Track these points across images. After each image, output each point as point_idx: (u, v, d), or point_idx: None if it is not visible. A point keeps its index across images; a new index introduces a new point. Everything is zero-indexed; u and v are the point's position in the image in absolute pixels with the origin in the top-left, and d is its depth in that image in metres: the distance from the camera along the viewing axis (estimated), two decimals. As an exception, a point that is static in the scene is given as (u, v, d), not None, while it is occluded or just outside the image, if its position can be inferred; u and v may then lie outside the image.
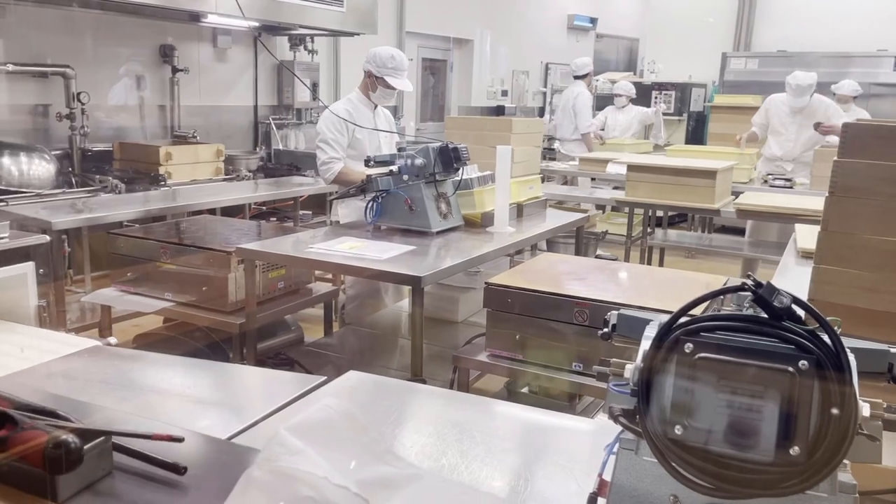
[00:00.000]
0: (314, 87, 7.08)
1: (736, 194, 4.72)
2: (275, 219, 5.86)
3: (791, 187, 5.22)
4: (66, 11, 5.18)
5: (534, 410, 1.47)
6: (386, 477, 0.61)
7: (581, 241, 4.03)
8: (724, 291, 0.80)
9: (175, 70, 5.95)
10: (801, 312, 0.78)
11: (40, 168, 4.93)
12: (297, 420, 0.74)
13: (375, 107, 3.90)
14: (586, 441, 1.39)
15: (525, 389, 3.06)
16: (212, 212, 4.91)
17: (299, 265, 3.22)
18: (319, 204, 6.05)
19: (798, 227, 3.30)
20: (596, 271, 2.81)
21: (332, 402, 0.78)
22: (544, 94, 11.10)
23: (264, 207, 6.02)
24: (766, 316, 0.77)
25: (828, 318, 0.77)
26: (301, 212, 5.83)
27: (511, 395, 3.09)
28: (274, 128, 6.93)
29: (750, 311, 0.80)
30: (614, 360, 1.03)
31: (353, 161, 3.71)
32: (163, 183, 5.15)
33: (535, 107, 10.95)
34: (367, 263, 2.80)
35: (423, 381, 2.56)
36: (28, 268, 2.11)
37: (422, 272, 2.67)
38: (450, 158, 3.33)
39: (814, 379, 0.72)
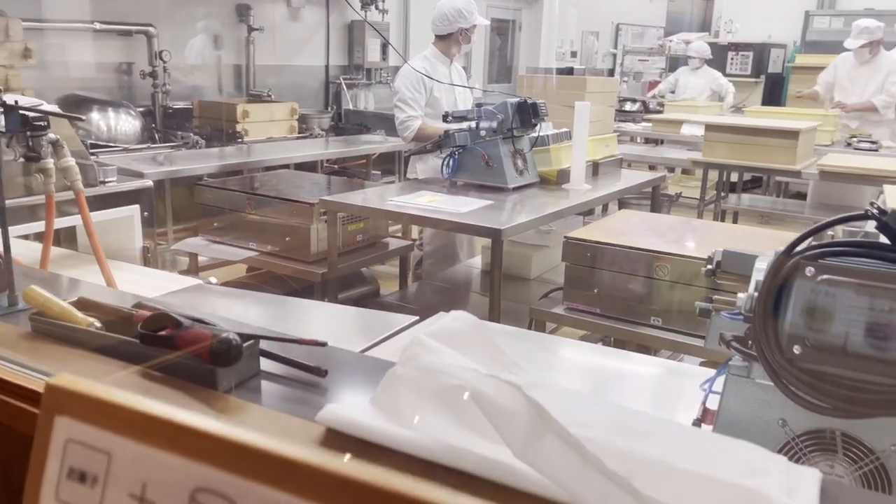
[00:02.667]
0: (384, 47, 7.12)
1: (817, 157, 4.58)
2: (345, 177, 5.98)
3: (877, 150, 5.02)
4: (148, -30, 5.33)
5: (631, 355, 1.51)
6: (521, 382, 0.65)
7: (657, 201, 3.99)
8: (850, 218, 0.81)
9: (251, 29, 6.07)
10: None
11: (127, 123, 5.15)
12: (432, 328, 0.79)
13: (451, 63, 3.91)
14: (678, 380, 1.42)
15: (600, 343, 3.08)
16: (285, 167, 5.05)
17: (381, 217, 3.29)
18: (388, 162, 6.13)
19: (887, 188, 3.20)
20: (674, 227, 2.80)
21: (462, 314, 0.83)
22: (614, 55, 10.86)
23: (336, 166, 6.13)
24: (888, 242, 0.78)
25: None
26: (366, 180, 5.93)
27: (585, 349, 3.12)
28: (345, 87, 7.02)
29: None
30: (716, 297, 1.06)
31: (430, 119, 3.75)
32: (240, 140, 5.31)
33: (605, 68, 10.73)
34: (447, 216, 2.85)
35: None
36: (134, 210, 2.23)
37: (501, 225, 2.71)
38: (528, 114, 3.33)
39: (939, 302, 0.73)
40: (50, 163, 1.45)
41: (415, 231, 4.21)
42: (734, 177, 5.97)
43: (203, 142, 5.19)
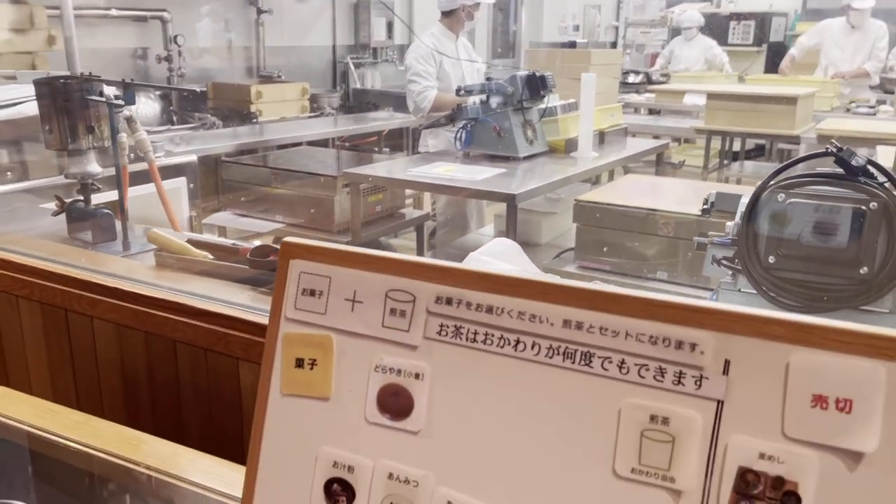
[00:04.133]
0: (390, 26, 7.27)
1: (817, 123, 4.75)
2: (356, 153, 6.17)
3: (874, 114, 5.19)
4: (161, -44, 5.49)
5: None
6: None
7: (663, 167, 4.18)
8: (812, 156, 1.01)
9: (259, 11, 6.22)
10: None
11: (147, 106, 5.35)
12: (481, 249, 1.00)
13: (457, 38, 4.09)
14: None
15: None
16: (297, 146, 5.23)
17: (402, 187, 3.49)
18: (396, 138, 6.30)
19: (879, 148, 3.38)
20: (678, 189, 2.99)
21: (504, 239, 1.04)
22: (616, 28, 10.95)
23: (346, 144, 6.32)
24: (844, 172, 0.99)
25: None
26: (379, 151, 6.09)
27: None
28: (352, 67, 7.16)
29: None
30: (711, 232, 1.27)
31: (441, 93, 3.94)
32: (254, 120, 5.50)
33: (607, 41, 10.82)
34: (464, 184, 3.05)
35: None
36: (182, 182, 2.44)
37: (515, 190, 2.91)
38: (537, 86, 3.51)
39: (881, 217, 0.93)
40: (124, 136, 1.64)
41: (426, 202, 4.42)
42: (737, 146, 6.14)
43: (220, 123, 5.38)
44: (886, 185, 0.98)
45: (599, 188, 3.13)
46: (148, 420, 1.07)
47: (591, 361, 0.46)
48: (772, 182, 1.03)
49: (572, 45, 9.74)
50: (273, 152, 4.54)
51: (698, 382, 0.43)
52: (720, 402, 0.43)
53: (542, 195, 3.36)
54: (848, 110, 5.47)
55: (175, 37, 5.53)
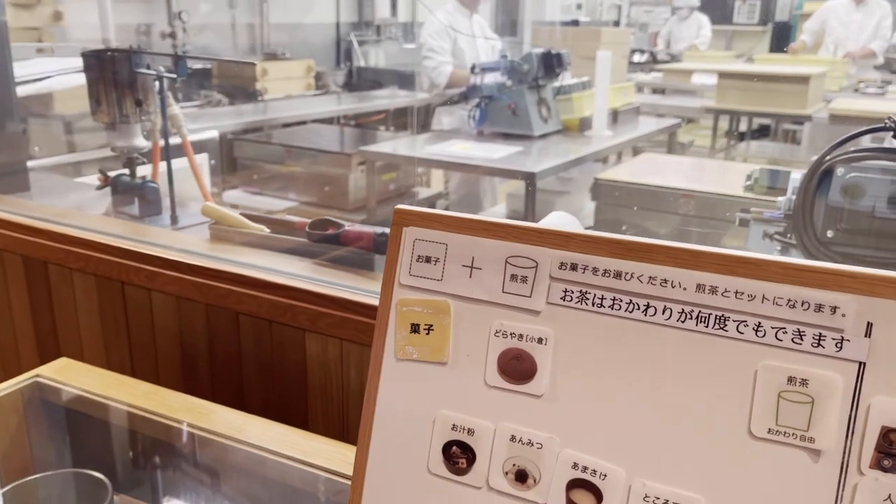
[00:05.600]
0: (394, 2, 7.20)
1: (827, 103, 4.74)
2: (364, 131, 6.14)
3: (883, 94, 5.18)
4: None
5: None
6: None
7: (674, 146, 4.18)
8: (871, 130, 1.02)
9: (263, -13, 6.17)
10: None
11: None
12: (542, 220, 1.00)
13: (471, 15, 4.06)
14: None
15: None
16: (301, 124, 5.20)
17: (420, 165, 3.49)
18: (401, 116, 6.28)
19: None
20: (694, 167, 3.00)
21: (563, 213, 1.04)
22: (619, 7, 10.87)
23: (352, 122, 6.29)
24: (903, 147, 0.99)
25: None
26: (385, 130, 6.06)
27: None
28: (356, 44, 7.11)
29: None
30: (753, 208, 1.27)
31: (456, 69, 3.92)
32: (260, 98, 5.47)
33: (610, 20, 10.75)
34: (482, 162, 3.05)
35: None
36: (203, 158, 2.43)
37: (534, 168, 2.91)
38: (552, 64, 3.50)
39: (944, 191, 0.94)
40: (176, 108, 1.63)
41: (438, 181, 4.41)
42: (743, 126, 6.13)
43: (225, 100, 5.35)
44: (945, 160, 0.98)
45: (617, 166, 3.13)
46: (208, 392, 1.08)
47: (725, 325, 0.47)
48: (829, 156, 1.04)
49: (575, 23, 9.67)
50: (279, 130, 4.52)
51: (839, 345, 0.44)
52: (862, 364, 0.43)
53: (555, 175, 3.36)
54: (857, 90, 5.46)
55: (179, 13, 5.48)
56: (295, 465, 0.86)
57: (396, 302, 0.56)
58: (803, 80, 4.40)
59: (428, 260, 0.55)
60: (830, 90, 5.25)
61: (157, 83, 1.48)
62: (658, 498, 0.48)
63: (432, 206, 4.20)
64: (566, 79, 3.77)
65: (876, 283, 0.43)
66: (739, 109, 4.79)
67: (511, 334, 0.53)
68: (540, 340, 0.52)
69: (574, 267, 0.51)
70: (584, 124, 3.70)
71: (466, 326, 0.54)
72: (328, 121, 5.64)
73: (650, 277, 0.49)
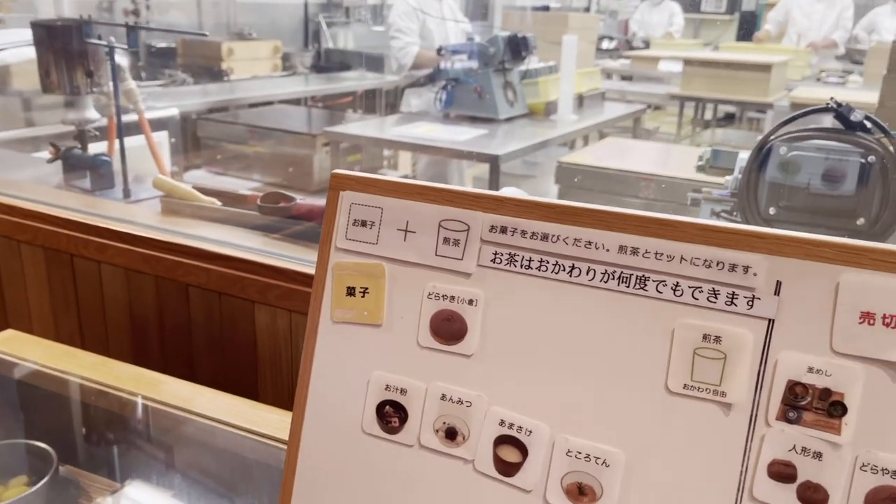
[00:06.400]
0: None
1: (789, 91, 4.82)
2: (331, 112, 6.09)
3: (844, 83, 5.28)
4: None
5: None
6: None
7: (639, 132, 4.22)
8: (813, 111, 1.04)
9: (230, -35, 6.06)
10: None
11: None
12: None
13: (440, -2, 4.05)
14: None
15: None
16: (268, 104, 5.15)
17: (385, 147, 3.48)
18: (370, 98, 6.24)
19: (851, 115, 3.45)
20: (656, 152, 3.03)
21: (514, 188, 1.05)
22: (590, -8, 10.89)
23: (320, 104, 6.23)
24: (842, 127, 1.02)
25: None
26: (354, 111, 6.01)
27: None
28: (324, 26, 7.03)
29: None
30: (704, 188, 1.30)
31: (423, 50, 3.91)
32: (226, 78, 5.39)
33: (581, 6, 10.77)
34: (447, 144, 3.05)
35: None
36: (163, 136, 2.40)
37: (498, 151, 2.92)
38: (518, 47, 3.51)
39: (879, 170, 0.97)
40: (132, 83, 1.61)
41: (402, 163, 4.40)
42: (708, 114, 6.21)
43: (190, 79, 5.27)
44: (882, 139, 1.02)
45: (581, 150, 3.16)
46: (158, 364, 1.08)
47: (645, 285, 0.48)
48: (773, 136, 1.06)
49: (546, 8, 9.68)
50: (245, 110, 4.47)
51: (750, 303, 0.46)
52: (771, 321, 0.45)
53: (520, 158, 3.38)
54: (818, 79, 5.56)
55: (143, -11, 5.37)
56: (243, 434, 0.87)
57: (332, 265, 0.57)
58: (765, 68, 4.47)
59: (364, 224, 0.55)
60: (793, 79, 5.34)
61: (111, 56, 1.46)
62: (580, 452, 0.50)
63: (398, 188, 4.19)
64: (533, 63, 3.78)
65: (784, 243, 0.45)
66: (704, 96, 4.85)
67: (443, 296, 0.54)
68: (470, 302, 0.53)
69: (504, 230, 0.52)
70: (550, 108, 3.71)
71: (400, 289, 0.55)
72: (295, 102, 5.58)
73: (575, 239, 0.50)
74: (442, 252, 0.54)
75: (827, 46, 6.11)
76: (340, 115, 5.27)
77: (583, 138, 5.01)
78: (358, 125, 3.51)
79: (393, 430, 0.55)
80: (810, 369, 0.44)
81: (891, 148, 1.00)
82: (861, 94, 4.23)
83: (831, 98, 1.06)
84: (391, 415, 0.55)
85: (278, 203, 1.01)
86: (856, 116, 1.02)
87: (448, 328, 0.54)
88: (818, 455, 0.44)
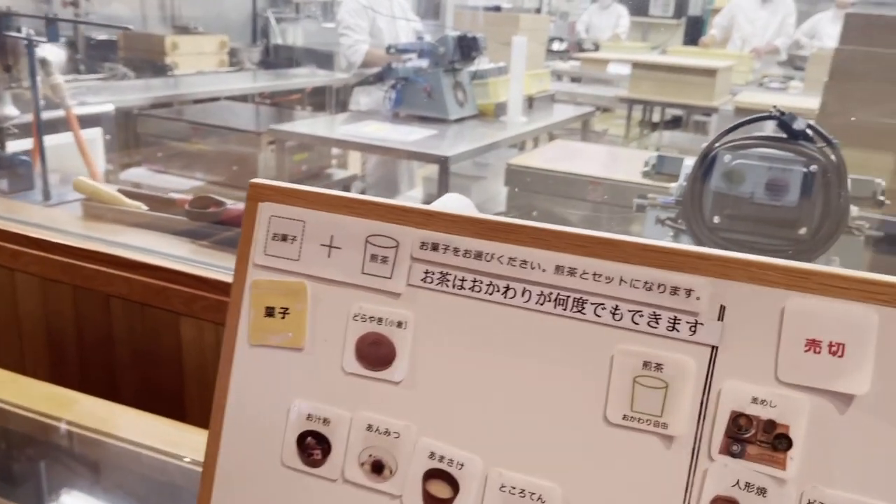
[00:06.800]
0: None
1: (733, 96, 4.91)
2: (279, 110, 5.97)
3: (786, 89, 5.41)
4: None
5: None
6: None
7: (588, 135, 4.25)
8: (756, 119, 1.04)
9: (175, -44, 5.91)
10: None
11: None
12: (435, 203, 0.98)
13: (391, -4, 4.00)
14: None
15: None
16: (214, 100, 5.03)
17: (331, 146, 3.41)
18: (320, 96, 6.15)
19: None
20: (606, 155, 3.04)
21: (457, 194, 1.02)
22: (541, -6, 10.96)
23: (267, 101, 6.11)
24: (786, 136, 1.01)
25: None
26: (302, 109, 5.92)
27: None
28: (273, 21, 6.91)
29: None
30: (650, 194, 1.29)
31: (373, 48, 3.86)
32: (170, 72, 5.24)
33: (532, 7, 10.83)
34: (396, 145, 3.00)
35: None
36: (97, 133, 2.30)
37: (447, 152, 2.89)
38: (468, 47, 3.48)
39: (821, 179, 0.97)
40: (38, 81, 1.53)
41: (352, 163, 4.34)
42: (656, 117, 6.30)
43: (132, 74, 5.10)
44: (824, 148, 1.01)
45: (530, 152, 3.15)
46: (76, 379, 1.01)
47: (583, 308, 0.45)
48: (717, 143, 1.05)
49: (497, 9, 9.70)
50: (190, 106, 4.34)
51: (693, 328, 0.43)
52: (714, 348, 0.43)
53: (470, 159, 3.36)
54: (761, 85, 5.68)
55: (83, -20, 5.18)
56: (165, 458, 0.81)
57: (250, 283, 0.52)
58: (710, 73, 4.54)
59: (284, 238, 0.51)
60: (737, 84, 5.44)
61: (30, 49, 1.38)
62: (514, 487, 0.46)
63: (347, 188, 4.12)
64: (483, 63, 3.76)
65: (729, 266, 0.42)
66: (651, 99, 4.91)
67: (370, 318, 0.50)
68: (399, 324, 0.49)
69: (435, 247, 0.48)
70: (500, 110, 3.70)
71: (324, 310, 0.51)
72: (242, 99, 5.46)
73: (510, 258, 0.47)
74: (369, 270, 0.50)
75: (770, 52, 6.26)
76: (289, 113, 5.18)
77: (533, 140, 5.02)
78: (305, 123, 3.44)
79: (315, 464, 0.51)
80: (755, 400, 0.42)
81: (833, 157, 1.00)
82: (802, 101, 4.33)
83: (774, 106, 1.06)
84: (313, 447, 0.51)
85: (208, 207, 0.96)
86: (798, 125, 1.01)
87: (375, 353, 0.50)
88: (762, 491, 0.41)
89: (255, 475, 0.52)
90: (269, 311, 0.52)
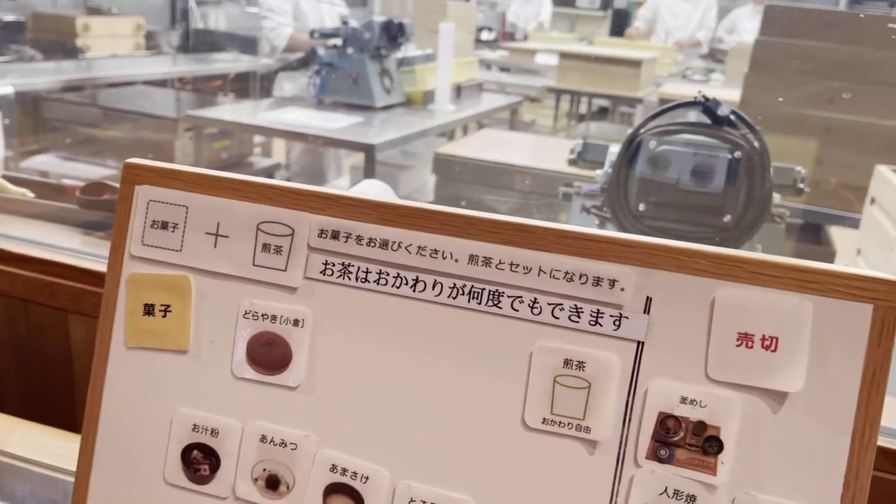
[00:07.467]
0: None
1: (657, 87, 5.00)
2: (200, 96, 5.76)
3: (707, 80, 5.55)
4: None
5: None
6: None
7: (516, 124, 4.24)
8: (682, 105, 1.02)
9: (86, -67, 5.62)
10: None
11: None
12: (353, 188, 0.92)
13: (317, -21, 3.89)
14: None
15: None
16: (129, 85, 4.81)
17: (252, 133, 3.29)
18: (243, 82, 5.96)
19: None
20: (534, 144, 3.04)
21: (376, 181, 0.97)
22: (472, -17, 10.96)
23: (188, 86, 5.89)
24: (710, 122, 1.00)
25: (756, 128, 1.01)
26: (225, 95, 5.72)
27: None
28: (193, 4, 6.65)
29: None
30: (575, 182, 1.26)
31: (297, 32, 3.74)
32: (81, 55, 4.98)
33: (463, -3, 10.82)
34: (320, 132, 2.92)
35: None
36: (-7, 116, 2.13)
37: (373, 140, 2.82)
38: (394, 33, 3.41)
39: (745, 166, 0.96)
40: None
41: (276, 150, 4.22)
42: (584, 108, 6.38)
43: (40, 56, 4.83)
44: (748, 135, 1.01)
45: (458, 141, 3.12)
46: (-47, 385, 0.91)
47: (499, 301, 0.41)
48: (642, 129, 1.03)
49: (427, -2, 9.64)
50: (104, 91, 4.13)
51: (617, 322, 0.39)
52: (640, 344, 0.39)
53: (398, 147, 3.30)
54: (684, 76, 5.81)
55: (-16, -45, 4.86)
56: (54, 474, 0.73)
57: (126, 277, 0.46)
58: (636, 64, 4.60)
59: (164, 226, 0.45)
60: (661, 75, 5.55)
61: None
62: (425, 501, 0.42)
63: (270, 177, 4.00)
64: (410, 50, 3.70)
65: (655, 253, 0.39)
66: (578, 90, 4.95)
67: (262, 315, 0.44)
68: (296, 322, 0.44)
69: (336, 235, 0.43)
70: (428, 97, 3.64)
71: (211, 307, 0.45)
72: (161, 83, 5.23)
73: (419, 247, 0.42)
74: (261, 262, 0.44)
75: (692, 45, 6.41)
76: (211, 100, 4.98)
77: (462, 128, 5.00)
78: (225, 109, 3.31)
79: (202, 480, 0.45)
80: (683, 399, 0.38)
81: (756, 144, 0.99)
82: (723, 92, 4.45)
83: (699, 92, 1.04)
84: (200, 461, 0.45)
85: (101, 195, 0.88)
86: (723, 111, 1.00)
87: (269, 354, 0.44)
88: (692, 498, 0.38)
89: (134, 493, 0.46)
90: (149, 309, 0.46)
